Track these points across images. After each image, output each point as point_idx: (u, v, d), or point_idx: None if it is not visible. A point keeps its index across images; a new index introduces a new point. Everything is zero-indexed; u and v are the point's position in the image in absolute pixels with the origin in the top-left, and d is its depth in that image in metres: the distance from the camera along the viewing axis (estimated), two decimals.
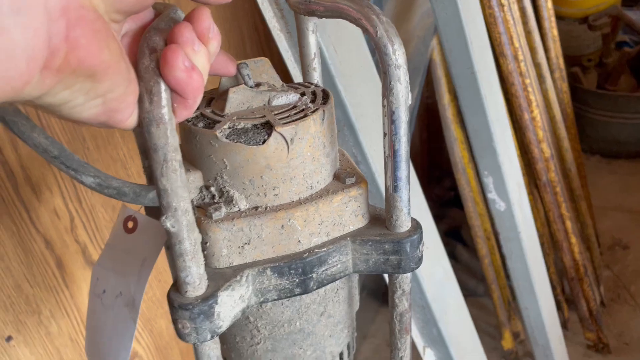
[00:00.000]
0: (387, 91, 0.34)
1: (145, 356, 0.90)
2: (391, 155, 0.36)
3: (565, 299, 1.73)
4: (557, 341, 1.15)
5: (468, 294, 0.96)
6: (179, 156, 0.30)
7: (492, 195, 0.93)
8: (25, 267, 0.69)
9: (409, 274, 0.40)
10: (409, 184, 0.37)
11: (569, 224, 1.48)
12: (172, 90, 0.28)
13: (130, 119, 0.28)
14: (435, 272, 0.77)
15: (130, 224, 0.53)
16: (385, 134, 0.36)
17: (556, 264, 1.64)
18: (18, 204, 0.67)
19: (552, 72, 1.57)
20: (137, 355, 0.88)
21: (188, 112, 0.30)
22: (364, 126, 0.62)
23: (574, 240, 1.51)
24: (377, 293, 1.92)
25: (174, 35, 0.28)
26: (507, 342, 1.67)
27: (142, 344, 0.89)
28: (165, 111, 0.28)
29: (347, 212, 0.39)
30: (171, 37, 0.28)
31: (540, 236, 1.40)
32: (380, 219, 0.40)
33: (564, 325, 1.66)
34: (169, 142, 0.29)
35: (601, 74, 2.48)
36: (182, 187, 0.31)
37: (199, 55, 0.29)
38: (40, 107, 0.25)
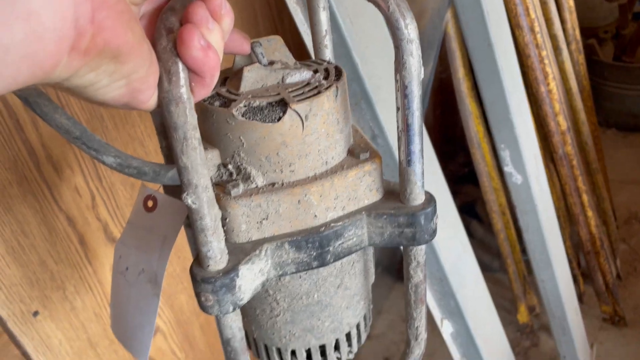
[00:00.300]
0: (400, 65, 0.34)
1: (166, 331, 0.92)
2: (404, 130, 0.36)
3: (581, 272, 1.72)
4: (573, 313, 1.15)
5: (483, 269, 0.96)
6: (198, 134, 0.31)
7: (508, 168, 0.93)
8: (50, 244, 0.70)
9: (423, 246, 0.41)
10: (422, 157, 0.38)
11: (585, 197, 1.47)
12: (190, 70, 0.28)
13: (151, 99, 0.29)
14: (452, 245, 0.77)
15: (150, 203, 0.54)
16: (398, 108, 0.36)
17: (572, 238, 1.64)
18: (41, 182, 0.68)
19: (568, 43, 1.55)
20: (159, 330, 0.90)
21: (206, 90, 0.30)
22: (381, 99, 0.62)
23: (590, 213, 1.50)
24: (391, 269, 1.93)
25: (189, 14, 0.28)
26: (523, 316, 1.68)
27: (164, 318, 0.91)
28: (184, 90, 0.28)
29: (361, 187, 0.39)
30: (186, 17, 0.28)
31: (556, 210, 1.39)
32: (394, 193, 0.41)
33: (580, 298, 1.66)
34: (188, 120, 0.29)
35: (618, 46, 2.44)
36: (201, 164, 0.31)
37: (214, 34, 0.29)
38: (67, 89, 0.26)
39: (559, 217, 1.42)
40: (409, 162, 0.37)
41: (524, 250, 1.71)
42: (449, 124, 2.25)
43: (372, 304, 0.50)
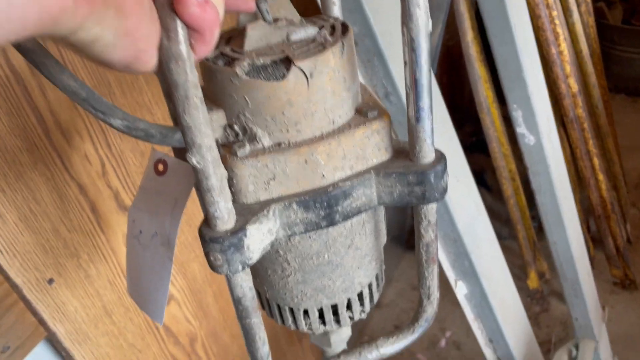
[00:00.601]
0: (406, 18, 0.33)
1: (180, 298, 0.92)
2: (412, 85, 0.35)
3: (591, 237, 1.72)
4: (585, 274, 1.15)
5: None
6: (199, 93, 0.30)
7: (521, 129, 0.91)
8: (62, 211, 0.70)
9: (434, 205, 0.40)
10: (431, 114, 0.37)
11: (596, 161, 1.45)
12: (188, 27, 0.28)
13: (154, 59, 0.29)
14: (466, 205, 0.76)
15: (160, 167, 0.53)
16: (405, 63, 0.34)
17: (582, 203, 1.63)
18: (50, 149, 0.68)
19: (578, 5, 1.52)
20: (173, 298, 0.90)
21: (207, 47, 0.29)
22: (394, 55, 0.60)
23: (601, 177, 1.49)
24: (400, 239, 1.93)
25: None
26: (533, 282, 1.69)
27: (177, 286, 0.91)
28: (183, 47, 0.28)
29: (369, 146, 0.39)
30: None
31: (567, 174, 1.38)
32: (404, 151, 0.40)
33: (590, 263, 1.66)
34: (188, 78, 0.29)
35: (627, 9, 2.39)
36: (204, 123, 0.31)
37: None
38: (74, 45, 0.26)
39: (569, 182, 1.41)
40: (417, 118, 0.36)
41: (533, 217, 1.71)
42: (455, 92, 2.23)
43: (385, 276, 0.49)
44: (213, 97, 0.39)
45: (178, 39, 0.27)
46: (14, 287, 0.65)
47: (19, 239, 0.65)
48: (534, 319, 1.65)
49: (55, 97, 0.67)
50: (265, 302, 0.48)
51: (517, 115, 0.89)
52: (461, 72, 2.06)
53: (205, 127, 0.31)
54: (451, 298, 0.88)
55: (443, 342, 1.62)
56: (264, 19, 0.38)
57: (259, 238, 0.37)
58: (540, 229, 1.46)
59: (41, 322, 0.69)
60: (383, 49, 0.59)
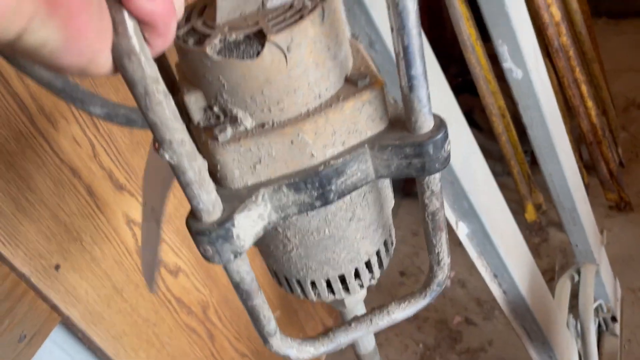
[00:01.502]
0: None
1: (187, 270, 0.93)
2: (402, 53, 0.32)
3: (584, 164, 1.74)
4: (582, 202, 1.17)
5: None
6: (161, 86, 0.27)
7: (507, 64, 0.91)
8: (58, 197, 0.70)
9: (437, 174, 0.38)
10: (426, 80, 0.33)
11: (584, 87, 1.45)
12: (139, 21, 0.25)
13: (110, 60, 0.26)
14: (459, 146, 0.76)
15: (157, 144, 0.53)
16: (392, 29, 0.31)
17: (572, 131, 1.64)
18: (37, 135, 0.67)
19: None
20: (181, 270, 0.91)
21: (163, 40, 0.27)
22: (375, 0, 0.59)
23: (590, 104, 1.49)
24: (396, 187, 1.94)
25: None
26: (530, 214, 1.71)
27: (183, 259, 0.91)
28: (135, 41, 0.25)
29: (362, 118, 0.36)
30: None
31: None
32: (402, 118, 0.37)
33: (585, 190, 1.68)
34: (146, 74, 0.26)
35: None
36: (171, 118, 0.28)
37: None
38: (22, 52, 0.24)
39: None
40: (410, 87, 0.33)
41: (526, 152, 1.72)
42: (436, 36, 2.20)
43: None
44: (189, 77, 0.36)
45: (128, 33, 0.25)
46: (22, 276, 0.65)
47: (19, 229, 0.65)
48: (535, 250, 1.69)
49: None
50: (272, 273, 0.47)
51: (503, 50, 0.88)
52: (442, 14, 2.03)
53: (174, 121, 0.28)
54: (451, 238, 0.89)
55: (448, 282, 1.66)
56: None
57: (249, 225, 0.35)
58: (533, 163, 1.47)
59: (54, 307, 0.70)
60: None
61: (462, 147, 0.77)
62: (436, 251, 0.43)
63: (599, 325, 1.32)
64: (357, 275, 0.45)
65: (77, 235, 0.73)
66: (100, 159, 0.75)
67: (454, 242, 0.98)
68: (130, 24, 0.25)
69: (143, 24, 0.25)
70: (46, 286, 0.69)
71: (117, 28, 0.25)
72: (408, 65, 0.32)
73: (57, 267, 0.70)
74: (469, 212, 0.80)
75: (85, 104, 0.37)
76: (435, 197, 0.39)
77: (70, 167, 0.71)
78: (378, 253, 0.45)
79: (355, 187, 0.37)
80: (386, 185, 0.44)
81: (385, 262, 0.47)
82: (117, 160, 0.78)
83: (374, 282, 0.47)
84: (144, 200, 0.54)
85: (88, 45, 0.25)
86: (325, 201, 0.36)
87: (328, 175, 0.35)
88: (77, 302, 0.73)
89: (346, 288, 0.46)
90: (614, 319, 1.31)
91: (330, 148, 0.36)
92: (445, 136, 0.36)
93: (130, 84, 0.27)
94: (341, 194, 0.37)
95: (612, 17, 2.48)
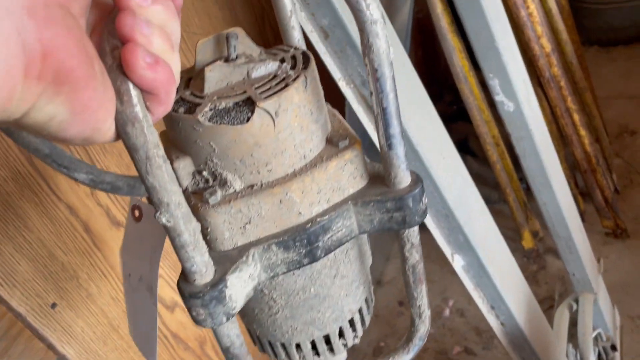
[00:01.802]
0: (367, 49, 0.32)
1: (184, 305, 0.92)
2: (381, 114, 0.35)
3: (580, 192, 1.75)
4: (577, 231, 1.17)
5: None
6: (161, 151, 0.29)
7: (499, 97, 0.92)
8: (55, 235, 0.70)
9: (416, 227, 0.40)
10: (402, 139, 0.36)
11: (576, 116, 1.47)
12: (141, 90, 0.26)
13: (113, 127, 0.27)
14: (454, 181, 0.77)
15: (136, 213, 0.52)
16: (371, 93, 0.34)
17: (567, 159, 1.65)
18: (35, 175, 0.67)
19: None
20: (177, 305, 0.91)
21: (164, 107, 0.28)
22: None
23: (583, 132, 1.51)
24: None
25: (119, 26, 0.25)
26: (527, 242, 1.71)
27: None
28: (138, 109, 0.27)
29: (344, 176, 0.38)
30: (122, 35, 0.25)
31: (549, 134, 1.40)
32: (380, 175, 0.39)
33: (581, 217, 1.69)
34: (147, 139, 0.27)
35: None
36: (170, 181, 0.30)
37: (156, 43, 0.26)
38: (28, 127, 0.25)
39: (552, 141, 1.43)
40: (389, 146, 0.36)
41: (521, 179, 1.73)
42: (430, 65, 2.23)
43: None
44: (178, 143, 0.37)
45: (132, 101, 0.26)
46: (18, 316, 0.65)
47: (17, 269, 0.65)
48: (533, 277, 1.68)
49: None
50: (256, 339, 0.47)
51: (494, 83, 0.90)
52: (434, 44, 2.06)
53: (171, 184, 0.30)
54: (450, 268, 0.89)
55: (447, 312, 1.65)
56: (229, 56, 0.37)
57: (240, 286, 0.36)
58: (529, 189, 1.48)
59: (50, 346, 0.70)
60: (354, 37, 0.59)
61: (457, 180, 0.78)
62: (417, 304, 0.44)
63: (599, 355, 1.31)
64: (341, 334, 0.46)
65: (73, 273, 0.73)
66: (97, 196, 0.76)
67: (452, 272, 0.98)
68: (134, 93, 0.26)
69: (146, 92, 0.27)
70: (42, 325, 0.68)
71: (122, 97, 0.26)
72: (386, 125, 0.35)
73: (53, 305, 0.70)
74: (464, 245, 0.80)
75: (70, 171, 0.38)
76: (415, 250, 0.41)
77: (68, 205, 0.71)
78: (360, 311, 0.46)
79: (340, 243, 0.39)
80: (365, 242, 0.46)
81: (367, 319, 0.47)
82: (115, 197, 0.78)
83: (357, 341, 0.47)
84: (125, 273, 0.53)
85: (92, 115, 0.25)
86: (312, 258, 0.38)
87: (315, 232, 0.37)
88: (73, 341, 0.72)
89: (331, 349, 0.46)
90: (613, 347, 1.31)
91: (317, 206, 0.38)
92: (422, 190, 0.38)
93: (132, 150, 0.28)
94: (328, 251, 0.38)
95: (603, 45, 2.53)
